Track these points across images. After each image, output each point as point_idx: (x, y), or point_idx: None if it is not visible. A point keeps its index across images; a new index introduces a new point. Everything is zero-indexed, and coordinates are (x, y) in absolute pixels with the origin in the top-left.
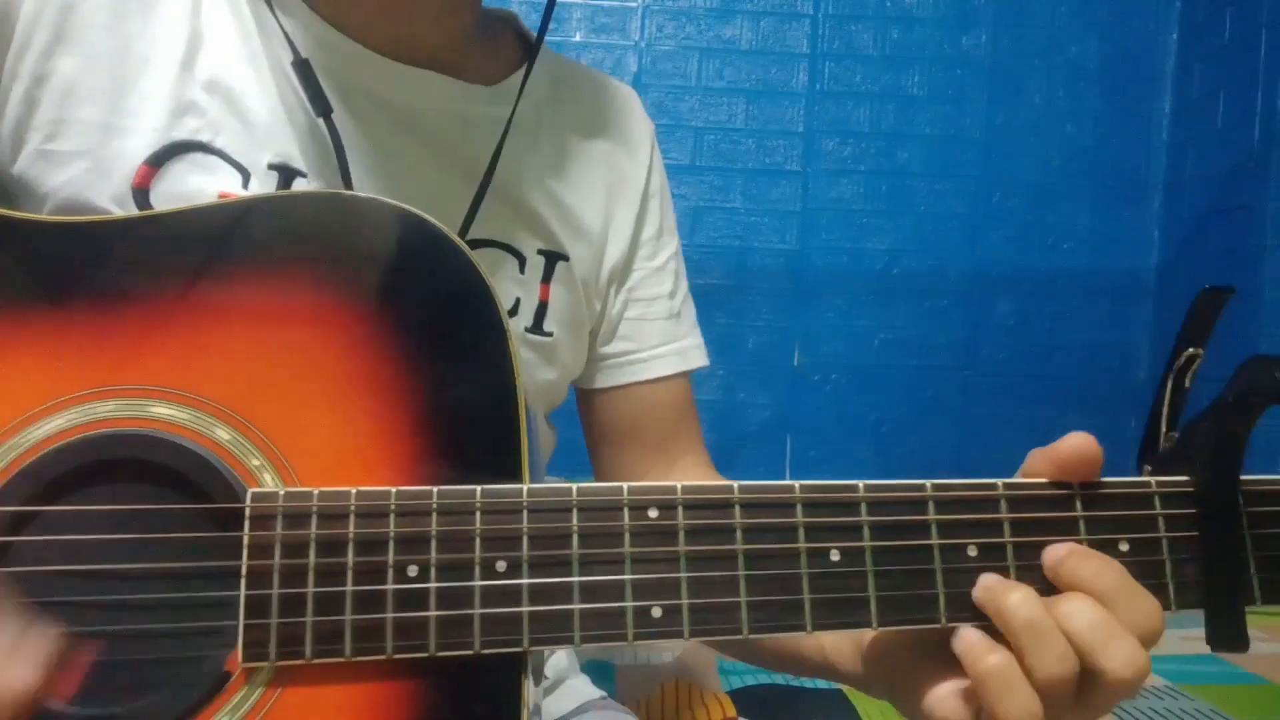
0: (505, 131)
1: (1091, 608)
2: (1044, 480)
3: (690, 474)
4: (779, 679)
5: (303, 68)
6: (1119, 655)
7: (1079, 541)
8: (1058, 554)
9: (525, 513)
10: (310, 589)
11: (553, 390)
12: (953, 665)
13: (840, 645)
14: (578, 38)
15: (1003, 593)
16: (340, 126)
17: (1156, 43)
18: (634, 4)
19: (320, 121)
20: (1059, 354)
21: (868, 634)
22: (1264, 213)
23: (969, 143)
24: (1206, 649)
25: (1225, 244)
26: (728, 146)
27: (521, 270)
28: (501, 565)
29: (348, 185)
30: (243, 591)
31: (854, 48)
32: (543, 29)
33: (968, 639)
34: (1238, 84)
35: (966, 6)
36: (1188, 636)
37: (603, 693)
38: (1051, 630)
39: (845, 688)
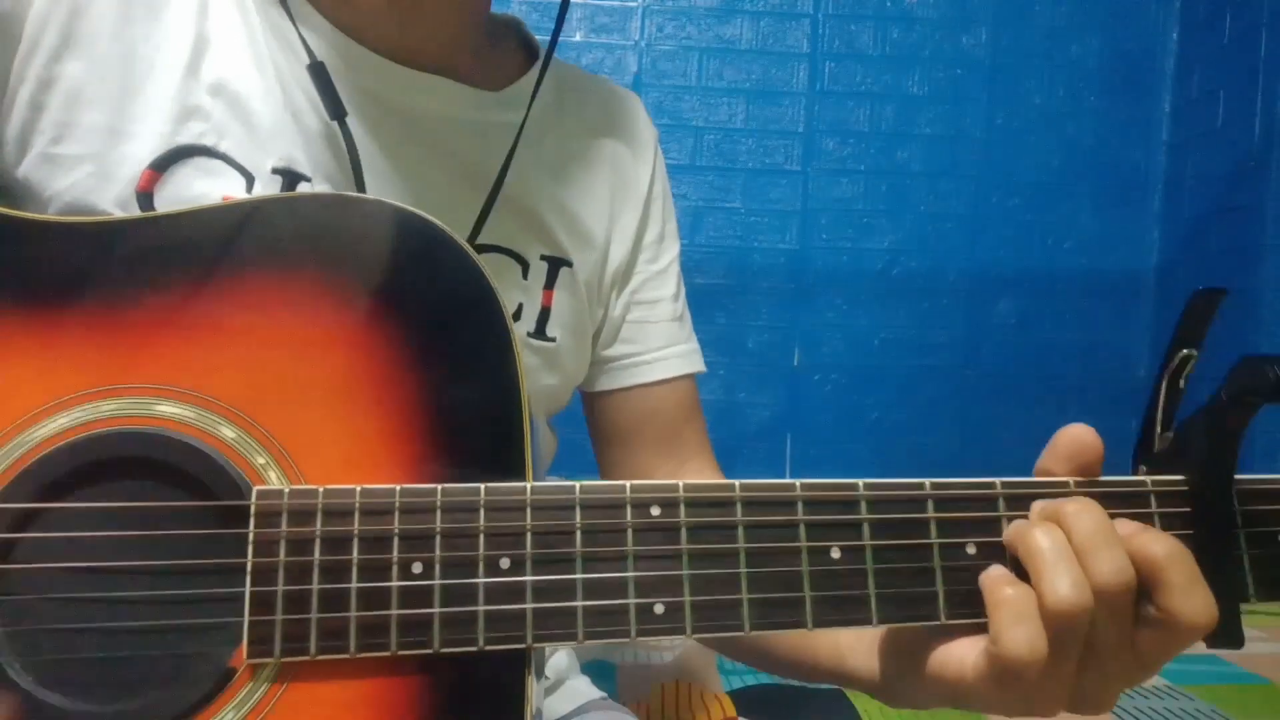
0: (517, 139)
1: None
2: (1041, 479)
3: (698, 477)
4: (779, 679)
5: (318, 71)
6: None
7: None
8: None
9: (529, 510)
10: (315, 586)
11: (554, 395)
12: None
13: (855, 646)
14: (578, 38)
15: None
16: (350, 130)
17: (1156, 43)
18: (634, 4)
19: (334, 125)
20: (1059, 354)
21: (880, 635)
22: (1264, 213)
23: (969, 143)
24: (1204, 648)
25: (1225, 244)
26: (728, 146)
27: (525, 276)
28: (505, 562)
29: (360, 189)
30: (248, 588)
31: (854, 48)
32: (554, 36)
33: (992, 573)
34: (1238, 84)
35: (966, 6)
36: None
37: (603, 693)
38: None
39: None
